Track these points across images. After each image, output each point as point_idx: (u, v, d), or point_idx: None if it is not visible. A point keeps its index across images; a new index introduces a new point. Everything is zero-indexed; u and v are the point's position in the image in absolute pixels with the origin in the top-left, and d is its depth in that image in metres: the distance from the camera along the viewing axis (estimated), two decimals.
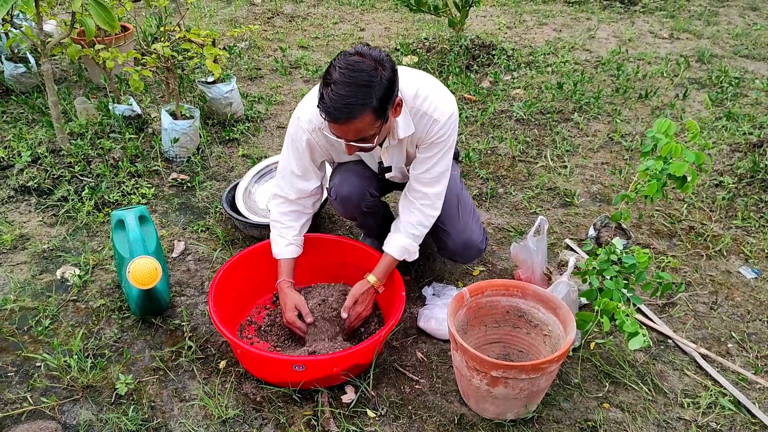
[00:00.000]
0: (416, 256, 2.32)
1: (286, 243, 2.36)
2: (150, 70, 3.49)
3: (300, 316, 2.30)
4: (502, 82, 4.63)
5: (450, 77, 4.63)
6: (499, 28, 5.88)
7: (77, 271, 2.69)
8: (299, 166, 2.28)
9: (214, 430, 2.04)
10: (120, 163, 3.39)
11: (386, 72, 1.86)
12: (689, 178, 2.41)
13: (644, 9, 6.44)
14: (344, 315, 2.25)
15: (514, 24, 6.03)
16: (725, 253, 2.88)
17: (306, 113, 2.17)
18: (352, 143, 1.98)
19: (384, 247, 2.30)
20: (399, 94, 1.98)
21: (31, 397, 2.14)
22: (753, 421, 2.09)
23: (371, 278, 2.28)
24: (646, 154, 2.52)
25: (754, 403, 2.13)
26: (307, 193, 2.34)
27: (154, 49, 3.34)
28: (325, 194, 2.48)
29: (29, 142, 3.52)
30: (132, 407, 2.10)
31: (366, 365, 2.20)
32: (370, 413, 2.10)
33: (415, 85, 2.10)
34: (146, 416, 2.08)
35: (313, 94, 2.10)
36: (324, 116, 1.90)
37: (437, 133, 2.12)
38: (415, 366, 2.30)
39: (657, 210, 3.18)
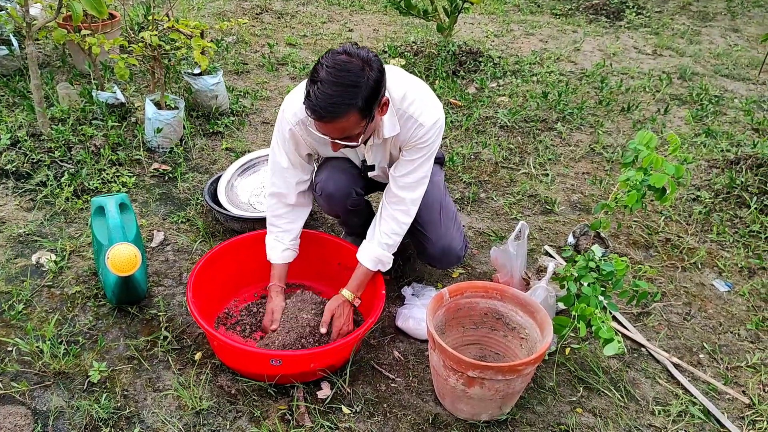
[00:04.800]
0: (390, 265, 2.30)
1: (283, 248, 2.34)
2: (136, 59, 3.46)
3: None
4: (488, 89, 4.66)
5: (437, 81, 4.65)
6: (486, 36, 5.93)
7: (53, 257, 2.66)
8: (287, 159, 2.27)
9: (187, 421, 2.02)
10: (101, 150, 3.35)
11: (373, 72, 1.86)
12: (668, 191, 2.45)
13: (629, 25, 6.53)
14: (323, 330, 2.23)
15: (501, 33, 6.08)
16: (700, 266, 2.93)
17: (291, 107, 2.16)
18: (336, 141, 1.98)
19: (358, 256, 2.28)
20: (386, 95, 1.98)
21: (1, 381, 2.10)
22: (721, 430, 2.13)
23: (345, 293, 2.26)
24: (627, 165, 2.56)
25: (722, 413, 2.17)
26: (300, 185, 2.33)
27: (142, 37, 3.31)
28: None
29: (9, 125, 3.46)
30: (104, 395, 2.08)
31: (344, 359, 2.20)
32: (345, 410, 2.10)
33: (404, 87, 2.10)
34: (118, 405, 2.06)
35: (300, 89, 2.09)
36: (309, 114, 1.89)
37: (421, 137, 2.13)
38: (392, 365, 2.31)
39: (635, 221, 3.22)
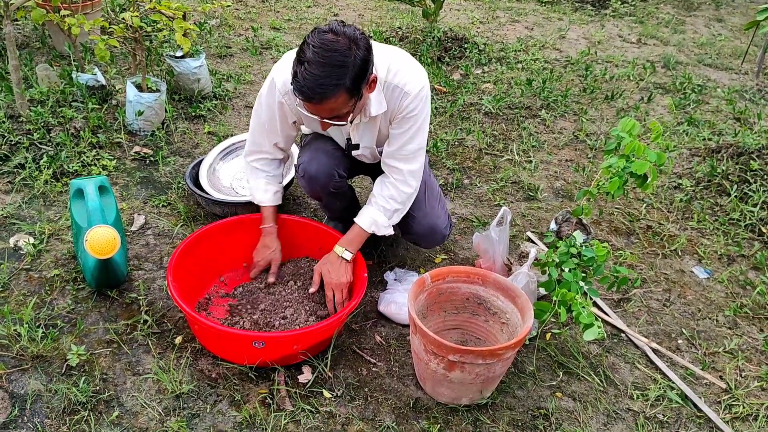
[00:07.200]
0: (388, 231, 2.30)
1: (275, 190, 2.42)
2: (117, 40, 3.40)
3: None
4: (473, 76, 4.65)
5: None
6: (472, 23, 5.91)
7: (32, 240, 2.62)
8: (271, 124, 2.29)
9: (167, 405, 2.01)
10: (81, 133, 3.30)
11: (360, 51, 1.85)
12: (650, 178, 2.46)
13: (614, 13, 6.54)
14: (312, 290, 2.29)
15: (487, 19, 6.06)
16: (680, 253, 2.96)
17: (281, 76, 2.13)
18: (326, 120, 1.97)
19: (355, 219, 2.30)
20: (374, 72, 1.97)
21: None
22: (698, 414, 2.15)
23: (336, 248, 2.28)
24: (610, 152, 2.57)
25: (700, 398, 2.20)
26: (280, 147, 2.39)
27: (123, 18, 3.26)
28: (292, 173, 2.46)
29: None
30: (83, 379, 2.06)
31: (326, 342, 2.20)
32: (327, 394, 2.10)
33: (387, 60, 2.09)
34: (97, 388, 2.05)
35: (288, 59, 2.07)
36: (297, 95, 1.88)
37: (408, 106, 2.12)
38: (374, 349, 2.31)
39: (617, 208, 3.24)
